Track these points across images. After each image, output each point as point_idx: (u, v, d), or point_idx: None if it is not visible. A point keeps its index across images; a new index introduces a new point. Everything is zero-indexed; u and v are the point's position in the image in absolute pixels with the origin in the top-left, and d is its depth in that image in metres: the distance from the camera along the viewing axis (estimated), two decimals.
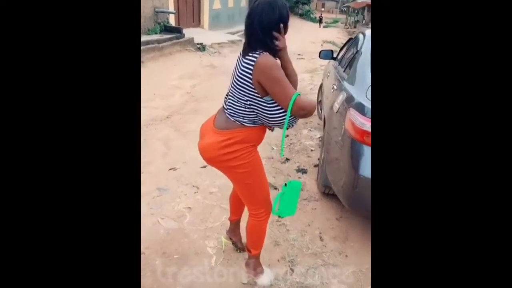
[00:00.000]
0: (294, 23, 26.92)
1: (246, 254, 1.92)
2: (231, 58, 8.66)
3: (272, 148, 3.66)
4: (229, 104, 1.51)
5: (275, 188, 2.84)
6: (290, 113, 1.38)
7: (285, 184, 1.63)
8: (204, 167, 3.11)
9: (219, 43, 10.69)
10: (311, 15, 32.07)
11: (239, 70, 1.42)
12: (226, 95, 1.55)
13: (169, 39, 8.71)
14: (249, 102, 1.44)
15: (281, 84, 1.35)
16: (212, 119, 1.60)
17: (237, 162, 1.50)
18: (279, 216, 1.77)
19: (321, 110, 4.85)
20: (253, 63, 1.36)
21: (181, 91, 6.01)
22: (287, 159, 3.42)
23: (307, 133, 4.22)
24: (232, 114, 1.50)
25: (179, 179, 2.91)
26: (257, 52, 1.38)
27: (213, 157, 1.53)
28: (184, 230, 2.26)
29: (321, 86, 5.03)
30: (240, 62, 1.44)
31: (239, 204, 1.93)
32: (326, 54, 4.09)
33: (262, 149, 3.56)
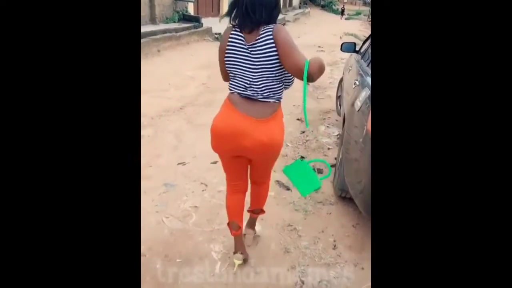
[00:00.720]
0: (315, 14, 26.31)
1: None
2: None
3: (287, 145, 3.47)
4: (264, 88, 1.46)
5: (288, 189, 2.66)
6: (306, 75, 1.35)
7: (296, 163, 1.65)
8: (214, 162, 2.96)
9: None
10: (333, 7, 31.28)
11: (264, 50, 1.40)
12: (246, 87, 1.47)
13: (187, 28, 8.57)
14: (279, 76, 1.46)
15: (296, 49, 1.38)
16: (236, 114, 1.48)
17: (283, 140, 1.59)
18: (315, 190, 1.71)
19: (340, 106, 4.62)
20: (271, 36, 1.38)
21: (196, 82, 5.87)
22: (302, 158, 3.22)
23: (325, 130, 4.00)
24: (271, 96, 1.49)
25: (187, 174, 2.77)
26: (268, 27, 1.41)
27: (280, 144, 1.56)
28: (189, 231, 2.13)
29: (341, 80, 4.78)
30: (256, 44, 1.40)
31: (242, 209, 1.87)
32: (348, 47, 3.85)
33: None
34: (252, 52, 1.41)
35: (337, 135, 3.85)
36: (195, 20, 9.27)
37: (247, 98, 1.48)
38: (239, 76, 1.47)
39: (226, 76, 1.61)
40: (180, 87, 5.45)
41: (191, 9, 10.16)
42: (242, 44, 1.43)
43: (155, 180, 2.64)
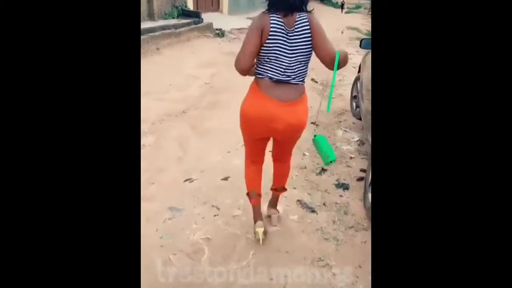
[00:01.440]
0: (315, 8, 25.70)
1: None
2: None
3: (304, 154, 3.09)
4: (297, 71, 1.53)
5: (313, 211, 2.28)
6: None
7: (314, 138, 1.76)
8: (225, 179, 2.57)
9: (238, 29, 10.02)
10: (332, 0, 30.70)
11: (301, 36, 1.48)
12: (281, 71, 1.51)
13: (187, 24, 8.11)
14: (309, 59, 1.55)
15: (328, 38, 1.51)
16: (268, 100, 1.54)
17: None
18: (330, 162, 1.73)
19: (356, 107, 4.23)
20: (308, 22, 1.48)
21: (199, 82, 5.46)
22: (323, 170, 2.84)
23: (343, 135, 3.61)
24: (301, 79, 1.56)
25: (195, 194, 2.38)
26: (302, 14, 1.50)
27: (305, 124, 1.66)
28: (200, 274, 1.73)
29: (356, 80, 4.38)
30: (294, 29, 1.48)
31: (261, 178, 1.95)
32: (368, 43, 3.44)
33: (292, 156, 3.00)
34: (290, 37, 1.48)
35: (358, 140, 3.46)
36: (195, 15, 8.81)
37: (279, 82, 1.52)
38: (276, 60, 1.50)
39: (250, 60, 1.53)
40: (182, 88, 5.04)
41: (190, 4, 9.68)
42: (283, 29, 1.47)
43: (159, 202, 2.25)
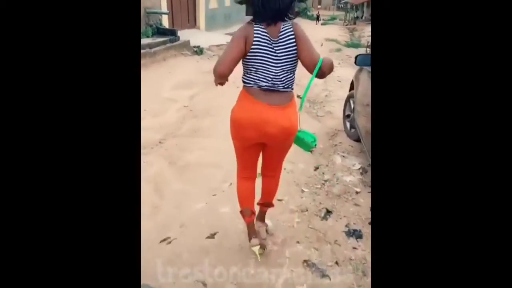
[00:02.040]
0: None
1: None
2: None
3: (302, 191, 2.61)
4: (284, 79, 1.53)
5: (325, 275, 1.79)
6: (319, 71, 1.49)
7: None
8: (212, 236, 2.06)
9: (217, 45, 9.60)
10: (308, 13, 30.92)
11: (286, 45, 1.48)
12: (268, 79, 1.51)
13: (163, 43, 7.62)
14: (295, 67, 1.56)
15: (312, 45, 1.53)
16: (259, 105, 1.52)
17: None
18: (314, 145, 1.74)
19: (351, 128, 3.82)
20: (292, 31, 1.48)
21: (177, 105, 4.94)
22: (328, 212, 2.37)
23: (342, 162, 3.16)
24: (289, 86, 1.56)
25: (175, 262, 1.85)
26: (287, 24, 1.49)
27: (296, 127, 1.61)
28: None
29: (349, 97, 3.98)
30: (278, 38, 1.47)
31: (254, 196, 1.89)
32: (365, 60, 3.04)
33: (290, 194, 2.53)
34: (275, 47, 1.48)
35: (360, 168, 3.02)
36: (170, 33, 8.33)
37: (268, 90, 1.52)
38: (262, 70, 1.51)
39: (230, 66, 1.49)
40: (157, 113, 4.51)
41: (165, 22, 9.21)
42: (267, 40, 1.47)
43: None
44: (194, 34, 10.15)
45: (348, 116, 3.94)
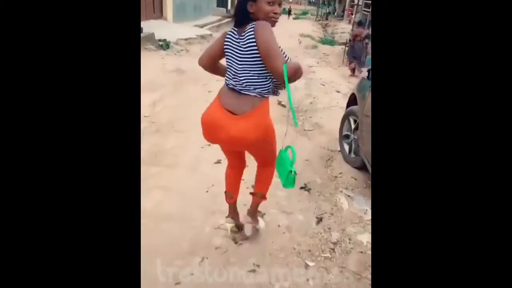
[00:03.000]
0: None
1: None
2: None
3: (306, 266, 1.81)
4: (244, 79, 1.45)
5: None
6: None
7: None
8: None
9: (186, 39, 8.55)
10: None
11: (247, 45, 1.41)
12: (231, 77, 1.50)
13: None
14: (262, 71, 1.43)
15: (275, 50, 1.33)
16: (218, 108, 1.50)
17: (271, 134, 1.60)
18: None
19: (351, 151, 3.07)
20: (253, 33, 1.38)
21: None
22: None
23: (349, 208, 2.38)
24: (251, 89, 1.46)
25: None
26: (252, 24, 1.42)
27: (254, 140, 1.49)
28: None
29: (348, 115, 3.20)
30: (243, 37, 1.42)
31: (238, 183, 1.91)
32: (364, 86, 2.25)
33: (290, 272, 1.72)
34: (239, 45, 1.45)
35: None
36: None
37: (232, 89, 1.50)
38: (229, 66, 1.51)
39: (206, 61, 1.60)
40: None
41: None
42: (235, 38, 1.47)
43: None
44: (160, 25, 9.00)
45: (347, 136, 3.18)
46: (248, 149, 1.66)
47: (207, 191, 2.42)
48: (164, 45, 7.39)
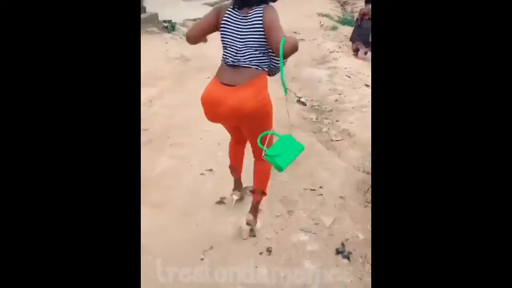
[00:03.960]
0: None
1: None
2: (212, 43, 4.99)
3: None
4: (247, 55, 1.53)
5: None
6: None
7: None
8: None
9: (194, 19, 7.62)
10: None
11: (251, 23, 1.50)
12: (232, 54, 1.54)
13: None
14: (263, 48, 1.53)
15: (278, 28, 1.46)
16: (216, 85, 1.57)
17: (269, 107, 1.61)
18: (267, 156, 1.44)
19: None
20: (261, 15, 1.49)
21: None
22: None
23: None
24: (253, 63, 1.53)
25: None
26: (258, 8, 1.52)
27: (253, 109, 1.51)
28: None
29: None
30: (247, 18, 1.51)
31: (242, 157, 1.95)
32: None
33: None
34: (242, 24, 1.52)
35: None
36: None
37: (232, 66, 1.55)
38: (229, 45, 1.56)
39: (197, 33, 1.62)
40: None
41: None
42: (236, 17, 1.53)
43: None
44: (166, 3, 8.08)
45: None
46: (245, 124, 1.63)
47: (202, 259, 1.69)
48: (170, 27, 6.54)
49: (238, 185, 2.03)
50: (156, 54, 5.09)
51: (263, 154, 1.46)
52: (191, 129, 3.00)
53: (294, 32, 8.73)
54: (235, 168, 1.97)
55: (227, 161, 2.04)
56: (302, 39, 8.08)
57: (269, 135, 1.50)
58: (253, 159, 1.83)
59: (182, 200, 2.11)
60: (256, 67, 1.53)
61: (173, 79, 4.35)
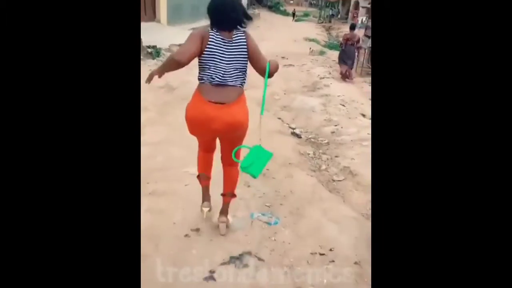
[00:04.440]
0: (265, 16, 23.41)
1: None
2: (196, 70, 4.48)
3: None
4: (235, 76, 1.66)
5: None
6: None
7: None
8: None
9: (180, 45, 7.34)
10: (280, 8, 28.88)
11: (238, 49, 1.65)
12: (218, 74, 1.63)
13: None
14: (245, 66, 1.70)
15: (261, 54, 1.71)
16: (204, 102, 1.63)
17: (248, 120, 1.73)
18: (242, 169, 1.66)
19: None
20: (244, 37, 1.67)
21: None
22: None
23: None
24: (238, 82, 1.68)
25: None
26: (239, 31, 1.68)
27: (245, 123, 1.71)
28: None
29: None
30: (232, 42, 1.64)
31: (211, 164, 2.00)
32: None
33: None
34: (229, 48, 1.64)
35: None
36: None
37: (218, 85, 1.63)
38: (215, 67, 1.63)
39: (187, 55, 1.58)
40: None
41: None
42: (221, 41, 1.63)
43: None
44: (152, 29, 7.82)
45: None
46: (232, 136, 1.74)
47: None
48: (154, 52, 6.21)
49: (206, 195, 2.03)
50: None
51: (238, 167, 1.68)
52: (174, 172, 2.60)
53: (282, 57, 8.62)
54: (206, 175, 2.00)
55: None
56: (291, 65, 7.92)
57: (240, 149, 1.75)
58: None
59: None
60: (239, 85, 1.70)
61: (156, 111, 3.97)
